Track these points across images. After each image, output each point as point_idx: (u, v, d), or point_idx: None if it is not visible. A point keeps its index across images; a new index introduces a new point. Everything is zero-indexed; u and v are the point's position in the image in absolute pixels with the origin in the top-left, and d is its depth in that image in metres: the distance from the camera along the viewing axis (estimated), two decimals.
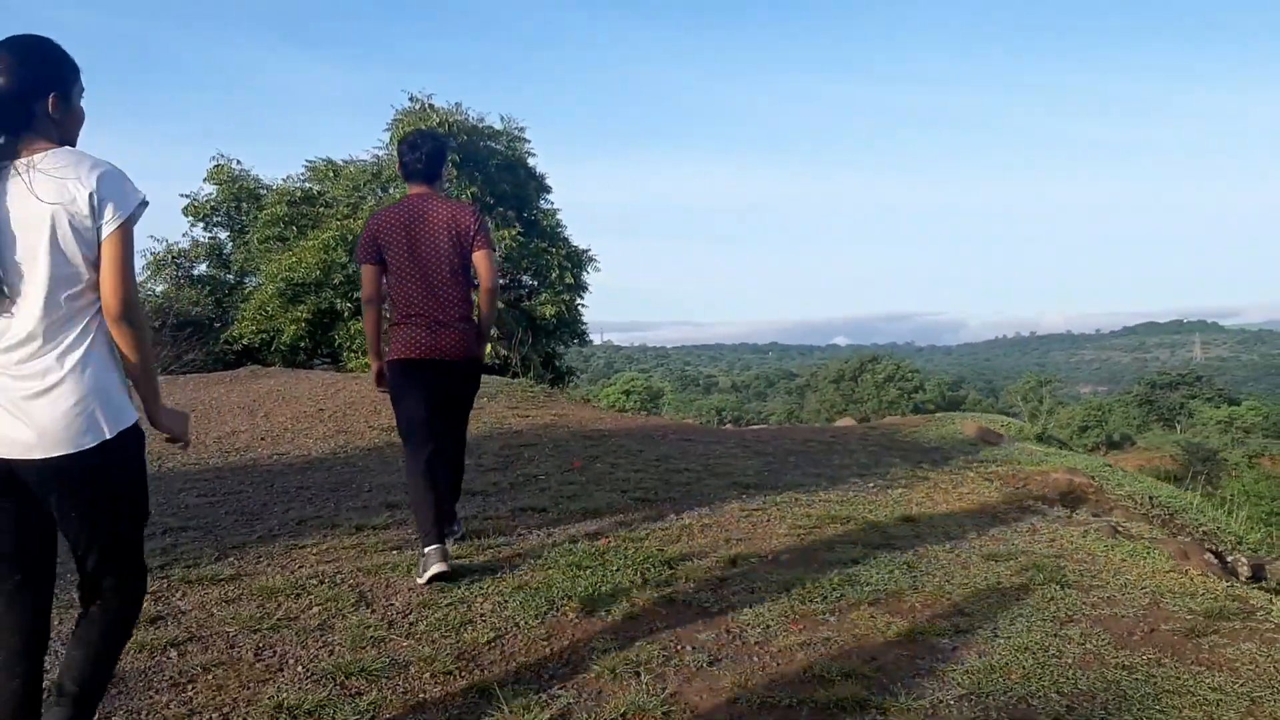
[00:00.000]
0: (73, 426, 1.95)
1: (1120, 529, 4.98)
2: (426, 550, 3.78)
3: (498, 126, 15.70)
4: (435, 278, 3.91)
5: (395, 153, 4.42)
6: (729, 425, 14.54)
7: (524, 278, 15.80)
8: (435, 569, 3.72)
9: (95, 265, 1.99)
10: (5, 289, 1.94)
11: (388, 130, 15.61)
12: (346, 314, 14.50)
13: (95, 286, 2.00)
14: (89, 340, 2.00)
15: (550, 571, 3.96)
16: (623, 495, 5.44)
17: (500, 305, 14.00)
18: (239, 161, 18.16)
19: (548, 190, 16.41)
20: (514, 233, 14.49)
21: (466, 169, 14.68)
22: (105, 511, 2.05)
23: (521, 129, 15.83)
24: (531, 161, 16.21)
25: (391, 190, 15.46)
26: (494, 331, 13.54)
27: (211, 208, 18.13)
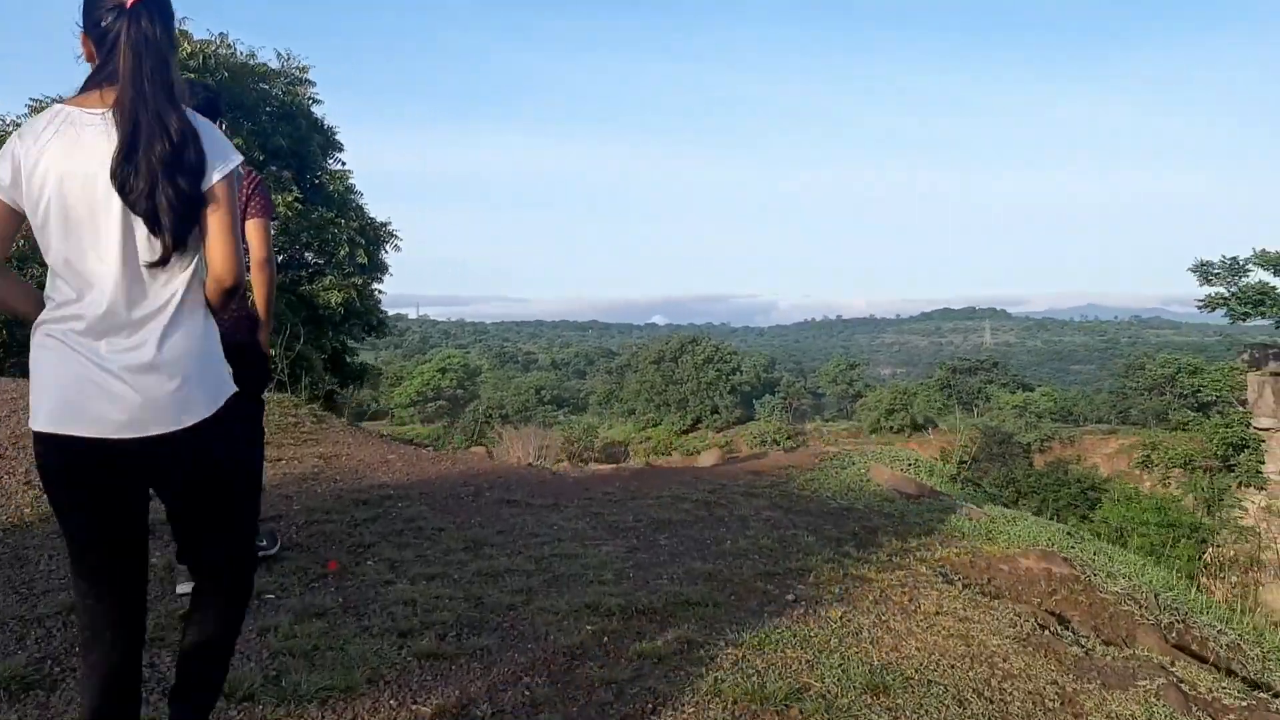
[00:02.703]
0: (171, 404, 1.80)
1: (1186, 690, 3.25)
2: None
3: (274, 66, 12.65)
4: None
5: None
6: (564, 464, 12.37)
7: (306, 255, 12.81)
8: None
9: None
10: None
11: None
12: None
13: (186, 257, 1.86)
14: (185, 311, 1.85)
15: None
16: (400, 645, 3.20)
17: None
18: None
19: (338, 148, 13.44)
20: (291, 198, 11.44)
21: (231, 116, 11.61)
22: (211, 487, 1.94)
23: (304, 69, 12.81)
24: (317, 111, 13.22)
25: None
26: None
27: None
